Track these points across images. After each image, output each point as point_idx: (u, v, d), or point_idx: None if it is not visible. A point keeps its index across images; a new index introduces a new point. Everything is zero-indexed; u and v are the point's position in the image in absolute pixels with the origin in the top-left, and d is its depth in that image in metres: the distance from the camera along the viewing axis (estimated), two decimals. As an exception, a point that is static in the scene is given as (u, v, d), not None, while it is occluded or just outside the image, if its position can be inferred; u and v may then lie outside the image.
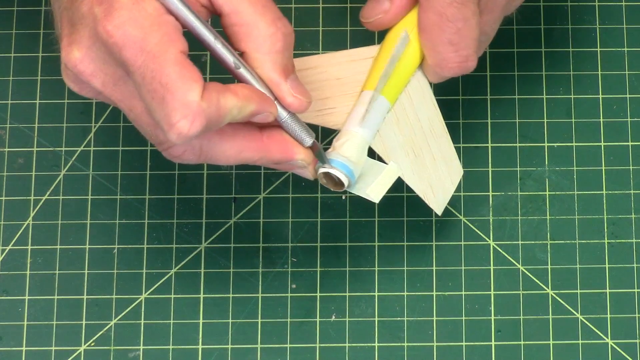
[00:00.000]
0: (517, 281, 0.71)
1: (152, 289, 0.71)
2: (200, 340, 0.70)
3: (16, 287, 0.71)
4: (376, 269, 0.71)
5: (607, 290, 0.71)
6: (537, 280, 0.71)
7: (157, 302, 0.71)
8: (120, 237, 0.72)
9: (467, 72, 0.62)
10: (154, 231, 0.72)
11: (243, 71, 0.56)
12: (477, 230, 0.72)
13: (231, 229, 0.72)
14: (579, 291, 0.71)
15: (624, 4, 0.75)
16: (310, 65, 0.64)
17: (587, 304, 0.71)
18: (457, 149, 0.66)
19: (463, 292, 0.71)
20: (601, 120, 0.74)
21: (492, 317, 0.71)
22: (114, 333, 0.71)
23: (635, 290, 0.71)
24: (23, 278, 0.71)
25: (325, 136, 0.70)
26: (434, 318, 0.71)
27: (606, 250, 0.72)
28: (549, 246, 0.72)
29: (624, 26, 0.75)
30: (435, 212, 0.66)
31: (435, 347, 0.70)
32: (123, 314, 0.71)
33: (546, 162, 0.73)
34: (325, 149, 0.61)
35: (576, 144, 0.73)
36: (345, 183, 0.61)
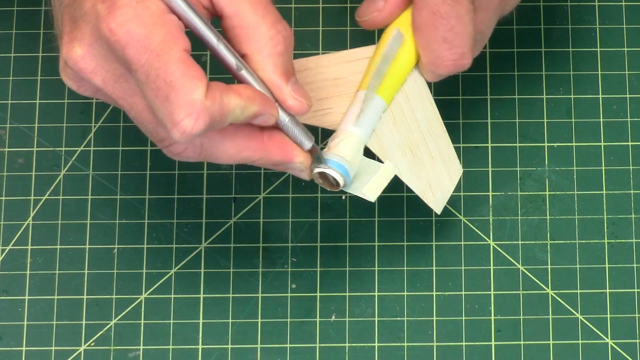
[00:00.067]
0: (517, 281, 0.71)
1: (152, 289, 0.71)
2: (200, 340, 0.70)
3: (16, 287, 0.71)
4: (376, 269, 0.71)
5: (607, 290, 0.71)
6: (537, 280, 0.71)
7: (157, 302, 0.71)
8: (120, 237, 0.72)
9: (462, 70, 0.62)
10: (154, 231, 0.72)
11: (245, 73, 0.56)
12: (477, 230, 0.72)
13: (231, 229, 0.72)
14: (579, 291, 0.71)
15: (624, 4, 0.75)
16: (307, 67, 0.64)
17: (587, 304, 0.71)
18: (457, 149, 0.66)
19: (463, 292, 0.71)
20: (601, 120, 0.74)
21: (492, 317, 0.71)
22: (114, 333, 0.71)
23: (635, 290, 0.71)
24: (23, 278, 0.71)
25: (325, 137, 0.70)
26: (434, 318, 0.71)
27: (606, 250, 0.72)
28: (549, 246, 0.72)
29: (624, 26, 0.75)
30: (435, 212, 0.66)
31: (435, 347, 0.70)
32: (123, 314, 0.71)
33: (546, 162, 0.73)
34: (321, 149, 0.61)
35: (576, 144, 0.73)
36: (341, 183, 0.61)
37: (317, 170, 0.61)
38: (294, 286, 0.71)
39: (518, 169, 0.73)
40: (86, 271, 0.71)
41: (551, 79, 0.74)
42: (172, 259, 0.72)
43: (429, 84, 0.65)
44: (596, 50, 0.75)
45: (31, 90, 0.74)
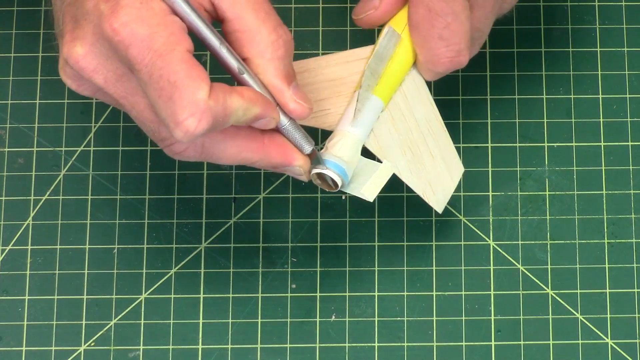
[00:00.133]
0: (517, 281, 0.71)
1: (152, 289, 0.71)
2: (200, 340, 0.70)
3: (16, 287, 0.71)
4: (376, 269, 0.71)
5: (607, 290, 0.71)
6: (537, 280, 0.71)
7: (157, 302, 0.71)
8: (120, 237, 0.72)
9: (459, 67, 0.62)
10: (154, 231, 0.72)
11: (246, 76, 0.57)
12: (477, 230, 0.72)
13: (231, 229, 0.72)
14: (579, 291, 0.71)
15: (624, 4, 0.75)
16: (307, 68, 0.64)
17: (587, 304, 0.71)
18: (457, 149, 0.66)
19: (463, 292, 0.71)
20: (601, 120, 0.74)
21: (492, 317, 0.71)
22: (114, 333, 0.71)
23: (635, 290, 0.71)
24: (23, 278, 0.71)
25: (324, 138, 0.70)
26: (434, 318, 0.71)
27: (606, 250, 0.72)
28: (549, 246, 0.72)
29: (624, 26, 0.75)
30: (435, 212, 0.66)
31: (435, 347, 0.70)
32: (123, 314, 0.71)
33: (546, 162, 0.73)
34: (320, 150, 0.61)
35: (576, 144, 0.73)
36: (339, 183, 0.61)
37: (314, 171, 0.61)
38: (294, 286, 0.71)
39: (518, 169, 0.73)
40: (86, 271, 0.71)
41: (551, 79, 0.74)
42: (172, 259, 0.72)
43: (428, 83, 0.65)
44: (596, 50, 0.75)
45: (31, 90, 0.74)
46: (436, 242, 0.72)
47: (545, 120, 0.74)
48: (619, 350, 0.70)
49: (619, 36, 0.75)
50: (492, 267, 0.71)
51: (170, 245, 0.72)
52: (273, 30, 0.57)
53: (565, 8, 0.75)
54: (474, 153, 0.73)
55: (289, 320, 0.71)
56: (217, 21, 0.58)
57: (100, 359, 0.70)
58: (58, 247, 0.72)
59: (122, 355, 0.70)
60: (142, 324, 0.71)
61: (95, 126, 0.74)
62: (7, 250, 0.72)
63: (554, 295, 0.71)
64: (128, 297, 0.71)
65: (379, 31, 0.64)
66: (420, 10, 0.61)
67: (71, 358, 0.70)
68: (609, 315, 0.71)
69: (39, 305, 0.71)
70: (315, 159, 0.60)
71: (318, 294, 0.71)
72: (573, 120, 0.74)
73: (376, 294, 0.71)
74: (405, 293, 0.71)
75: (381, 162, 0.62)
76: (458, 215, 0.72)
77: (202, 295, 0.71)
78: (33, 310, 0.71)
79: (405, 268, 0.71)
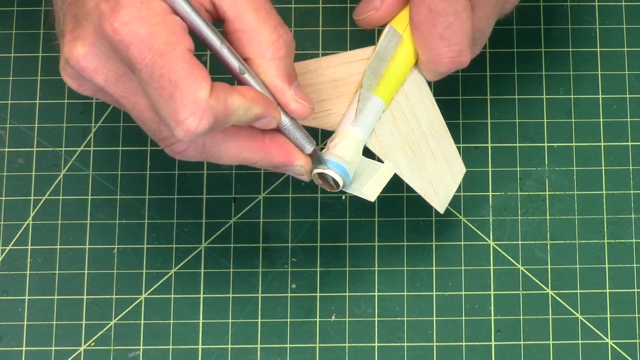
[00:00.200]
0: (517, 281, 0.71)
1: (152, 289, 0.71)
2: (200, 340, 0.70)
3: (16, 287, 0.71)
4: (376, 269, 0.71)
5: (607, 290, 0.71)
6: (537, 280, 0.71)
7: (157, 302, 0.71)
8: (120, 237, 0.72)
9: (461, 67, 0.62)
10: (154, 231, 0.72)
11: (247, 76, 0.57)
12: (477, 230, 0.72)
13: (231, 229, 0.72)
14: (579, 291, 0.71)
15: (624, 4, 0.75)
16: (308, 69, 0.64)
17: (587, 304, 0.71)
18: (457, 149, 0.66)
19: (463, 292, 0.71)
20: (601, 120, 0.74)
21: (492, 317, 0.71)
22: (114, 333, 0.71)
23: (635, 290, 0.71)
24: (23, 278, 0.71)
25: (325, 138, 0.70)
26: (434, 318, 0.71)
27: (606, 250, 0.72)
28: (549, 246, 0.72)
29: (624, 26, 0.75)
30: (435, 212, 0.66)
31: (435, 347, 0.70)
32: (123, 314, 0.71)
33: (546, 162, 0.73)
34: (321, 149, 0.61)
35: (576, 144, 0.73)
36: (340, 183, 0.61)
37: (316, 171, 0.61)
38: (294, 286, 0.71)
39: (518, 169, 0.73)
40: (86, 271, 0.71)
41: (551, 79, 0.74)
42: (172, 259, 0.72)
43: (428, 83, 0.65)
44: (596, 50, 0.75)
45: (31, 90, 0.74)
46: (436, 242, 0.72)
47: (545, 120, 0.74)
48: (619, 350, 0.70)
49: (619, 36, 0.75)
50: (492, 267, 0.71)
51: (170, 245, 0.72)
52: (274, 30, 0.57)
53: (565, 8, 0.75)
54: (474, 153, 0.73)
55: (289, 320, 0.71)
56: (218, 21, 0.58)
57: (100, 359, 0.70)
58: (58, 247, 0.72)
59: (122, 355, 0.70)
60: (142, 324, 0.71)
61: (95, 126, 0.74)
62: (7, 250, 0.72)
63: (554, 295, 0.71)
64: (128, 297, 0.71)
65: (380, 31, 0.64)
66: (422, 10, 0.61)
67: (71, 358, 0.70)
68: (609, 315, 0.71)
69: (39, 305, 0.71)
70: (316, 159, 0.60)
71: (318, 294, 0.71)
72: (573, 120, 0.74)
73: (376, 294, 0.71)
74: (405, 293, 0.71)
75: (382, 162, 0.62)
76: (458, 215, 0.72)
77: (202, 295, 0.71)
78: (33, 310, 0.71)
79: (405, 268, 0.71)
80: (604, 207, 0.72)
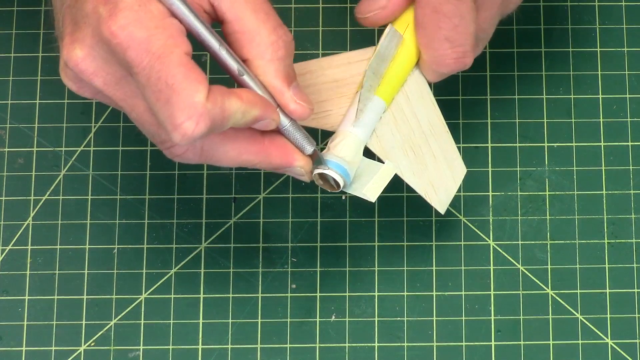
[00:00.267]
0: (517, 281, 0.71)
1: (152, 289, 0.71)
2: (200, 340, 0.70)
3: (16, 287, 0.71)
4: (376, 269, 0.71)
5: (607, 290, 0.71)
6: (537, 280, 0.71)
7: (157, 302, 0.71)
8: (120, 237, 0.72)
9: (463, 69, 0.62)
10: (154, 231, 0.72)
11: (246, 78, 0.56)
12: (477, 230, 0.72)
13: (231, 229, 0.72)
14: (579, 291, 0.71)
15: (624, 4, 0.75)
16: (308, 69, 0.64)
17: (587, 304, 0.71)
18: (457, 149, 0.66)
19: (463, 292, 0.71)
20: (601, 120, 0.74)
21: (492, 317, 0.71)
22: (114, 333, 0.71)
23: (635, 290, 0.71)
24: (23, 278, 0.71)
25: (325, 138, 0.70)
26: (434, 318, 0.71)
27: (606, 250, 0.72)
28: (549, 246, 0.72)
29: (624, 26, 0.75)
30: (435, 212, 0.66)
31: (435, 347, 0.70)
32: (123, 314, 0.71)
33: (546, 162, 0.73)
34: (321, 150, 0.61)
35: (576, 144, 0.73)
36: (341, 183, 0.61)
37: (316, 171, 0.61)
38: (294, 286, 0.71)
39: (518, 169, 0.73)
40: (86, 271, 0.71)
41: (551, 79, 0.74)
42: (172, 259, 0.72)
43: (429, 84, 0.65)
44: (596, 50, 0.75)
45: (31, 90, 0.74)
46: (436, 242, 0.72)
47: (545, 120, 0.74)
48: (619, 350, 0.70)
49: (619, 36, 0.75)
50: (492, 267, 0.71)
51: (170, 245, 0.72)
52: (273, 31, 0.57)
53: (565, 8, 0.75)
54: (474, 153, 0.73)
55: (289, 320, 0.71)
56: (217, 22, 0.58)
57: (100, 359, 0.70)
58: (58, 247, 0.72)
59: (122, 355, 0.70)
60: (142, 324, 0.71)
61: (95, 126, 0.74)
62: (7, 250, 0.72)
63: (554, 295, 0.71)
64: (128, 297, 0.71)
65: (380, 31, 0.64)
66: (428, 11, 0.60)
67: (71, 358, 0.70)
68: (609, 315, 0.71)
69: (39, 305, 0.71)
70: (317, 159, 0.60)
71: (318, 294, 0.71)
72: (573, 120, 0.74)
73: (376, 294, 0.71)
74: (405, 293, 0.71)
75: (383, 163, 0.62)
76: (458, 215, 0.72)
77: (202, 295, 0.71)
78: (33, 310, 0.71)
79: (405, 268, 0.71)
80: (604, 207, 0.72)
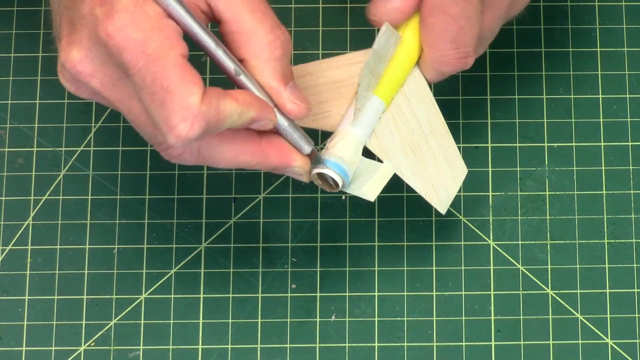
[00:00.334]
0: (517, 281, 0.71)
1: (152, 289, 0.71)
2: (200, 340, 0.70)
3: (16, 287, 0.71)
4: (376, 269, 0.71)
5: (607, 290, 0.71)
6: (537, 280, 0.71)
7: (157, 302, 0.71)
8: (120, 237, 0.72)
9: (465, 68, 0.62)
10: (154, 231, 0.72)
11: (243, 78, 0.56)
12: (477, 230, 0.72)
13: (231, 229, 0.72)
14: (579, 291, 0.71)
15: (624, 4, 0.75)
16: (309, 71, 0.64)
17: (587, 304, 0.71)
18: (458, 149, 0.66)
19: (463, 292, 0.71)
20: (601, 120, 0.74)
21: (492, 317, 0.71)
22: (114, 333, 0.71)
23: (635, 290, 0.71)
24: (23, 278, 0.71)
25: (324, 139, 0.70)
26: (434, 318, 0.71)
27: (606, 250, 0.72)
28: (549, 246, 0.72)
29: (624, 26, 0.75)
30: (435, 212, 0.66)
31: (435, 347, 0.70)
32: (123, 314, 0.71)
33: (546, 162, 0.73)
34: (320, 150, 0.61)
35: (576, 144, 0.73)
36: (340, 183, 0.61)
37: (315, 171, 0.61)
38: (294, 286, 0.71)
39: (518, 169, 0.73)
40: (86, 271, 0.71)
41: (551, 79, 0.74)
42: (172, 259, 0.72)
43: (429, 84, 0.65)
44: (596, 50, 0.75)
45: (31, 90, 0.74)
46: (436, 242, 0.72)
47: (545, 120, 0.74)
48: (619, 350, 0.70)
49: (619, 36, 0.75)
50: (492, 267, 0.71)
51: (170, 245, 0.72)
52: (270, 31, 0.56)
53: (565, 8, 0.75)
54: (474, 153, 0.73)
55: (289, 320, 0.71)
56: (214, 22, 0.57)
57: (100, 359, 0.70)
58: (58, 247, 0.72)
59: (122, 355, 0.70)
60: (142, 324, 0.71)
61: (95, 126, 0.74)
62: (7, 250, 0.72)
63: (554, 295, 0.71)
64: (128, 297, 0.71)
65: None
66: (435, 12, 0.60)
67: (71, 358, 0.70)
68: (609, 315, 0.71)
69: (39, 305, 0.71)
70: (315, 159, 0.60)
71: (318, 294, 0.71)
72: (573, 120, 0.74)
73: (376, 294, 0.71)
74: (405, 293, 0.71)
75: (382, 163, 0.62)
76: (458, 215, 0.72)
77: (202, 295, 0.71)
78: (33, 310, 0.71)
79: (405, 268, 0.71)
80: (604, 207, 0.72)
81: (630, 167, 0.73)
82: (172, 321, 0.71)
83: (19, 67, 0.74)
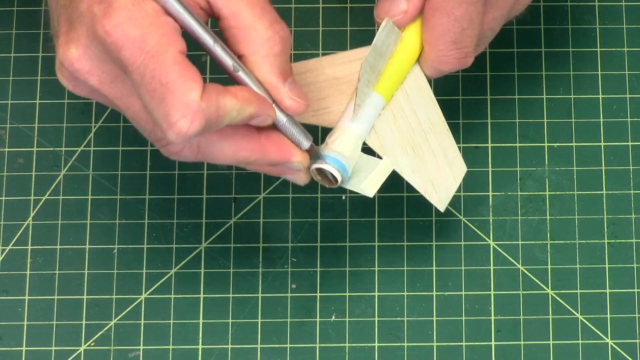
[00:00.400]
0: (517, 281, 0.71)
1: (152, 289, 0.71)
2: (200, 340, 0.70)
3: (16, 287, 0.71)
4: (376, 269, 0.71)
5: (607, 290, 0.71)
6: (537, 280, 0.71)
7: (157, 302, 0.71)
8: (120, 237, 0.72)
9: (465, 67, 0.62)
10: (154, 231, 0.72)
11: (242, 74, 0.56)
12: (477, 230, 0.72)
13: (231, 229, 0.72)
14: (579, 291, 0.71)
15: (624, 4, 0.75)
16: (309, 68, 0.64)
17: (587, 304, 0.71)
18: (457, 148, 0.66)
19: (463, 292, 0.71)
20: (601, 120, 0.74)
21: (492, 317, 0.71)
22: (114, 333, 0.71)
23: (635, 290, 0.71)
24: (23, 278, 0.71)
25: (324, 136, 0.70)
26: (434, 318, 0.71)
27: (606, 250, 0.72)
28: (549, 246, 0.72)
29: (624, 26, 0.75)
30: (435, 212, 0.66)
31: (435, 347, 0.70)
32: (123, 314, 0.71)
33: (546, 162, 0.73)
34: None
35: (576, 144, 0.73)
36: (339, 179, 0.61)
37: (314, 166, 0.61)
38: (294, 286, 0.71)
39: (518, 169, 0.73)
40: (86, 271, 0.71)
41: (551, 79, 0.74)
42: (172, 259, 0.72)
43: (429, 82, 0.65)
44: (596, 50, 0.75)
45: (31, 90, 0.74)
46: (436, 242, 0.72)
47: (545, 120, 0.74)
48: (619, 350, 0.70)
49: (619, 36, 0.75)
50: (492, 267, 0.71)
51: (170, 245, 0.72)
52: (269, 27, 0.56)
53: (565, 8, 0.75)
54: (474, 153, 0.73)
55: (289, 320, 0.71)
56: (213, 18, 0.57)
57: (100, 359, 0.70)
58: (58, 247, 0.72)
59: (122, 355, 0.70)
60: (142, 324, 0.71)
61: (95, 126, 0.74)
62: (7, 250, 0.72)
63: (554, 295, 0.71)
64: (128, 297, 0.71)
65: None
66: (438, 14, 0.61)
67: (71, 358, 0.70)
68: (609, 315, 0.71)
69: (39, 305, 0.71)
70: (314, 154, 0.60)
71: (318, 294, 0.71)
72: (573, 120, 0.74)
73: (376, 294, 0.71)
74: (405, 293, 0.71)
75: (381, 159, 0.62)
76: (458, 215, 0.72)
77: (202, 295, 0.71)
78: (33, 310, 0.71)
79: (405, 268, 0.71)
80: (604, 207, 0.72)
81: (630, 167, 0.73)
82: (172, 321, 0.71)
83: (19, 67, 0.74)
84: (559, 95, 0.74)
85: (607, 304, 0.71)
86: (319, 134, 0.65)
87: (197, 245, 0.72)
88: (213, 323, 0.71)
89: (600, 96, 0.74)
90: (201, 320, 0.71)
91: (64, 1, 0.55)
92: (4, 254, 0.72)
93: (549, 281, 0.71)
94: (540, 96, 0.74)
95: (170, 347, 0.70)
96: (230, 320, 0.71)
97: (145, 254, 0.72)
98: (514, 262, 0.71)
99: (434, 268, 0.71)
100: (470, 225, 0.72)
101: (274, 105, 0.58)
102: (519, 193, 0.73)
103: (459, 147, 0.71)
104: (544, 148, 0.73)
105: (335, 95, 0.63)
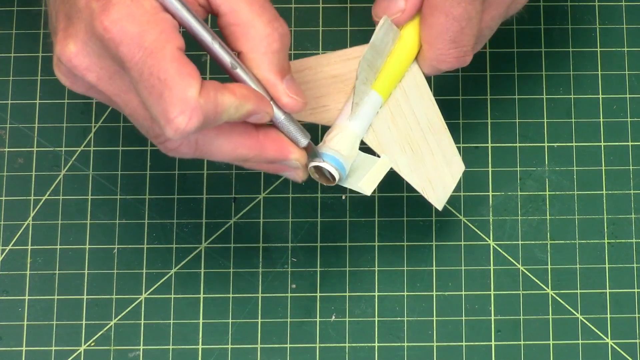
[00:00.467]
0: (517, 281, 0.71)
1: (152, 289, 0.71)
2: (200, 340, 0.70)
3: (16, 287, 0.71)
4: (376, 269, 0.71)
5: (607, 290, 0.71)
6: (537, 280, 0.71)
7: (157, 302, 0.71)
8: (120, 237, 0.72)
9: (462, 66, 0.62)
10: (154, 231, 0.72)
11: (240, 71, 0.56)
12: (477, 230, 0.72)
13: (231, 229, 0.72)
14: (579, 291, 0.71)
15: (624, 4, 0.75)
16: (307, 66, 0.64)
17: (587, 304, 0.71)
18: (457, 149, 0.66)
19: (463, 292, 0.71)
20: (601, 120, 0.74)
21: (492, 317, 0.71)
22: (114, 333, 0.71)
23: (635, 290, 0.71)
24: (23, 278, 0.71)
25: (324, 134, 0.70)
26: (434, 318, 0.71)
27: (606, 250, 0.72)
28: (549, 246, 0.72)
29: (624, 26, 0.75)
30: (435, 212, 0.66)
31: (435, 347, 0.70)
32: (123, 314, 0.71)
33: (546, 162, 0.73)
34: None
35: (576, 144, 0.73)
36: (336, 176, 0.61)
37: (312, 164, 0.61)
38: (294, 286, 0.71)
39: (518, 169, 0.73)
40: (86, 271, 0.71)
41: (551, 79, 0.74)
42: (172, 259, 0.72)
43: (428, 82, 0.65)
44: (596, 50, 0.75)
45: (31, 90, 0.74)
46: (436, 242, 0.72)
47: (545, 120, 0.74)
48: (619, 350, 0.70)
49: (619, 36, 0.75)
50: (492, 267, 0.71)
51: (170, 245, 0.72)
52: (268, 24, 0.56)
53: (565, 8, 0.75)
54: (474, 153, 0.73)
55: (289, 320, 0.71)
56: (213, 15, 0.57)
57: (100, 359, 0.70)
58: (58, 247, 0.72)
59: (122, 355, 0.70)
60: (142, 324, 0.71)
61: (95, 126, 0.74)
62: (7, 250, 0.72)
63: (554, 295, 0.71)
64: (128, 297, 0.71)
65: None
66: (437, 13, 0.61)
67: (71, 358, 0.70)
68: (609, 315, 0.71)
69: (39, 305, 0.71)
70: (312, 152, 0.60)
71: (318, 294, 0.71)
72: (573, 120, 0.74)
73: (376, 294, 0.71)
74: (405, 293, 0.71)
75: (379, 157, 0.62)
76: (458, 215, 0.72)
77: (202, 295, 0.71)
78: (33, 310, 0.71)
79: (405, 268, 0.71)
80: (604, 207, 0.72)
81: (630, 167, 0.73)
82: (172, 321, 0.71)
83: (19, 67, 0.74)
84: (559, 95, 0.74)
85: (607, 304, 0.71)
86: (318, 132, 0.65)
87: (197, 245, 0.72)
88: (213, 323, 0.71)
89: (600, 96, 0.74)
90: (201, 320, 0.71)
91: None
92: (4, 254, 0.72)
93: (549, 281, 0.71)
94: (540, 96, 0.74)
95: (170, 347, 0.70)
96: (230, 320, 0.71)
97: (145, 254, 0.72)
98: (514, 262, 0.71)
99: (434, 268, 0.71)
100: (470, 225, 0.72)
101: (271, 102, 0.58)
102: (519, 193, 0.72)
103: (459, 147, 0.71)
104: (544, 148, 0.73)
105: (334, 93, 0.63)
